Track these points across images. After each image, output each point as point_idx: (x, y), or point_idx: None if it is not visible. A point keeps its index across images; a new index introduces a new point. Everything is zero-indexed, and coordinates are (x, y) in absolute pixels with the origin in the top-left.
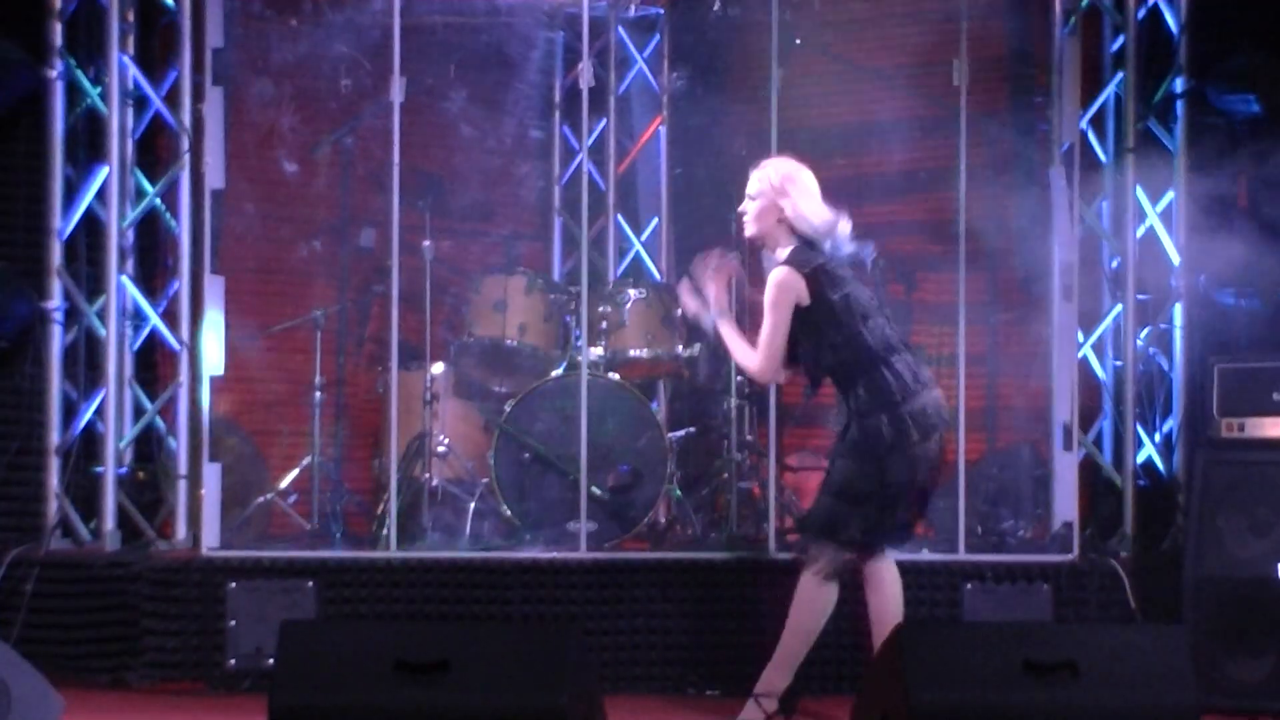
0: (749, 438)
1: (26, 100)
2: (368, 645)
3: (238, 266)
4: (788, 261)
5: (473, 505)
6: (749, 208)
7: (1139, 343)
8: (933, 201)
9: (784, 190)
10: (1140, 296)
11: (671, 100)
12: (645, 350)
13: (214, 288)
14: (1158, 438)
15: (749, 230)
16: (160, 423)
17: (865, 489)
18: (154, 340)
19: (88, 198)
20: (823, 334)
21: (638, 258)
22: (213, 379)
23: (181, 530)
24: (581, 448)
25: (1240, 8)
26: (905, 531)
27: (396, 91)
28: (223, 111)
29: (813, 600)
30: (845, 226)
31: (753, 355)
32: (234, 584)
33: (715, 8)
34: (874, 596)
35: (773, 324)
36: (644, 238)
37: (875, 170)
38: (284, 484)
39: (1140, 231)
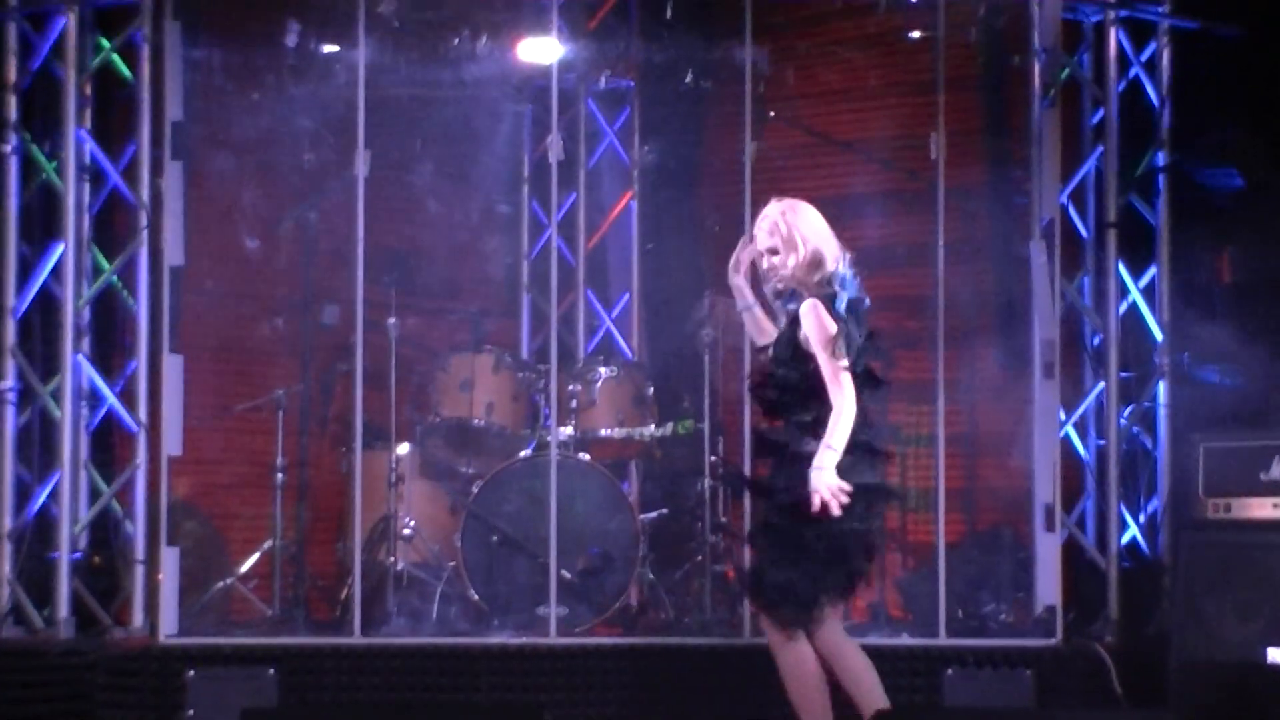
0: (723, 519)
1: None
2: None
3: (197, 345)
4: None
5: (439, 589)
6: (779, 263)
7: (1122, 421)
8: (910, 277)
9: (807, 239)
10: (1123, 374)
11: (642, 174)
12: (616, 430)
13: (173, 367)
14: (1142, 518)
15: (781, 285)
16: (117, 506)
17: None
18: (111, 421)
19: (43, 275)
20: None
21: (608, 334)
22: (171, 461)
23: (139, 617)
24: (551, 530)
25: (1223, 81)
26: None
27: (361, 165)
28: (182, 186)
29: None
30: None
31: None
32: (193, 672)
33: (687, 80)
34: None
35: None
36: (615, 314)
37: (851, 245)
38: (244, 568)
39: (1123, 308)
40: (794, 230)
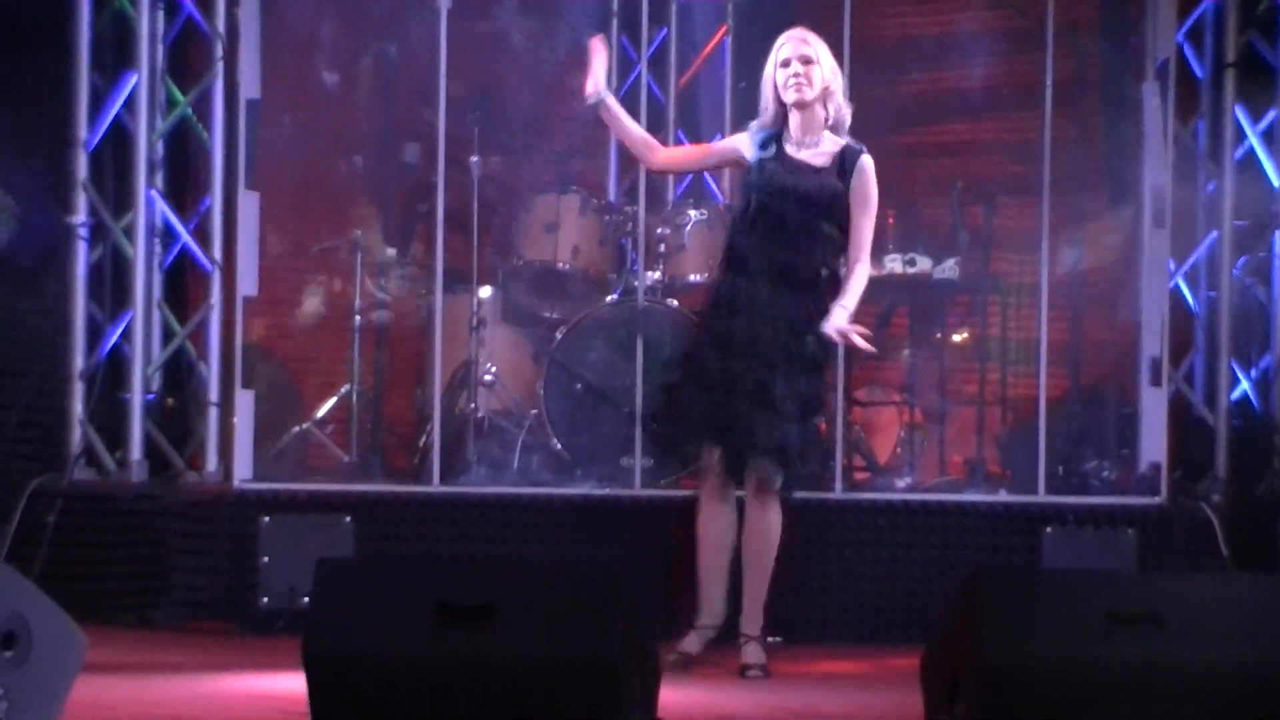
0: None
1: (50, 3)
2: (408, 586)
3: (274, 183)
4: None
5: (521, 438)
6: (812, 73)
7: (1236, 273)
8: (1015, 120)
9: (833, 63)
10: (1238, 223)
11: (737, 8)
12: (707, 275)
13: (248, 205)
14: (1254, 374)
15: (808, 94)
16: (190, 347)
17: None
18: (184, 260)
19: (115, 107)
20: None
21: (700, 177)
22: (246, 301)
23: (212, 461)
24: (637, 379)
25: None
26: None
27: None
28: (259, 16)
29: None
30: None
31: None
32: (267, 519)
33: None
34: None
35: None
36: None
37: (954, 86)
38: (321, 414)
39: (1239, 153)
40: (824, 52)
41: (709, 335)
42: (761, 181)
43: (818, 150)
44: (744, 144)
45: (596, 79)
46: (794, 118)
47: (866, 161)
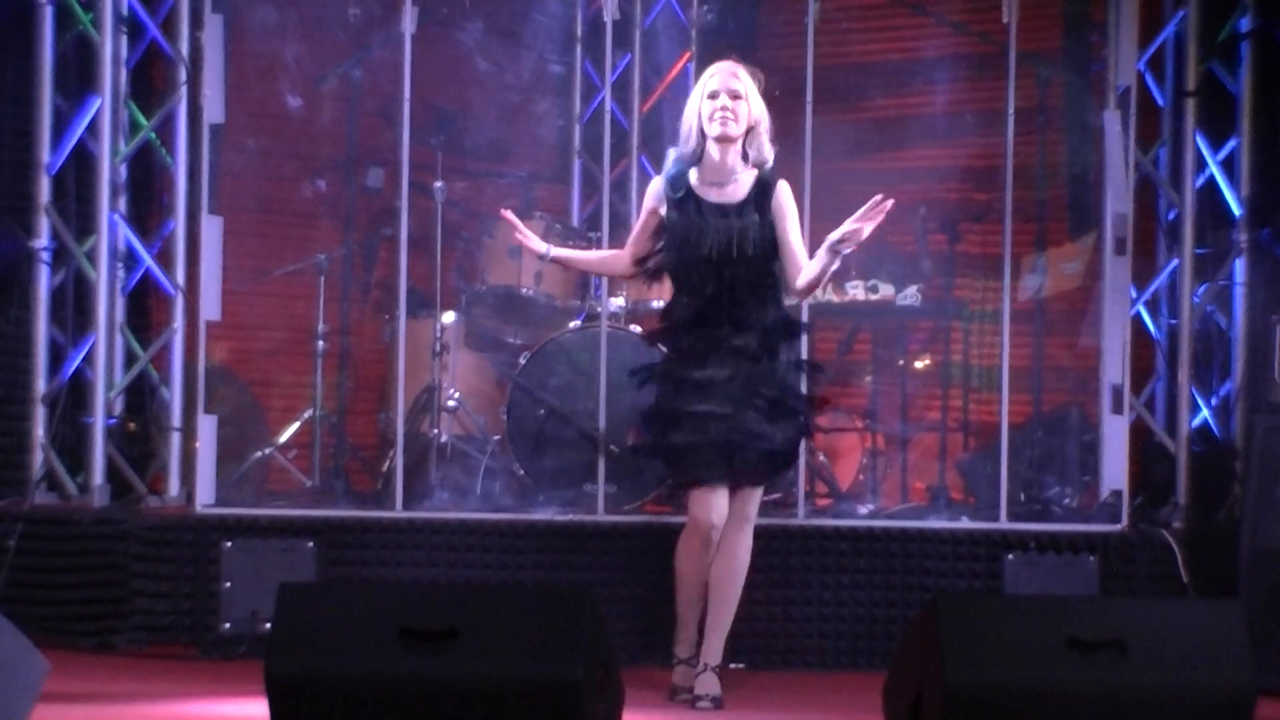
0: None
1: (13, 25)
2: (371, 610)
3: (237, 206)
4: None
5: (484, 463)
6: (740, 108)
7: (1196, 299)
8: (978, 146)
9: (761, 101)
10: (1198, 250)
11: (701, 35)
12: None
13: (212, 228)
14: (1215, 401)
15: (733, 130)
16: (153, 371)
17: None
18: (147, 283)
19: (78, 131)
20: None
21: None
22: (209, 325)
23: (174, 486)
24: (600, 404)
25: None
26: None
27: (408, 21)
28: (223, 40)
29: None
30: None
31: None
32: (229, 543)
33: None
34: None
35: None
36: None
37: (917, 112)
38: (284, 438)
39: (1200, 181)
40: (754, 90)
41: (679, 384)
42: (676, 231)
43: (734, 186)
44: (656, 197)
45: (533, 242)
46: (714, 151)
47: (782, 185)
